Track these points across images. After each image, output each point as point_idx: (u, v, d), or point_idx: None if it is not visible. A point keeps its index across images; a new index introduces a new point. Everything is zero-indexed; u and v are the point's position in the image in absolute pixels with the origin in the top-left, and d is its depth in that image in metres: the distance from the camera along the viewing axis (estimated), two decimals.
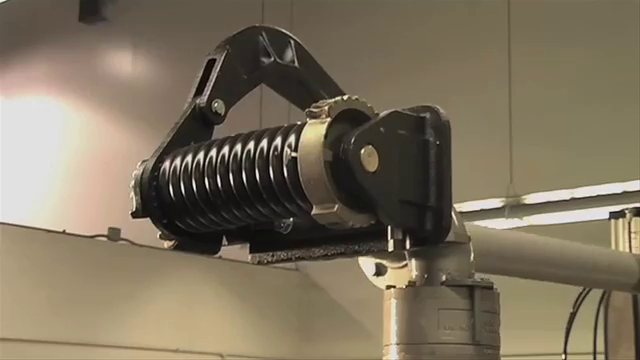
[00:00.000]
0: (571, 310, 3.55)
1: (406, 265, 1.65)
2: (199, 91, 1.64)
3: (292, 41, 1.73)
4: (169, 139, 1.60)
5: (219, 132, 1.60)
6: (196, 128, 1.62)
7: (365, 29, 11.48)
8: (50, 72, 14.59)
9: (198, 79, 1.65)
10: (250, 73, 1.68)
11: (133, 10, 13.55)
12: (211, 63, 1.65)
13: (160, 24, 13.45)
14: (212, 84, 1.63)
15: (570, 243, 2.17)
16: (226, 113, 1.64)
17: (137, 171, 1.58)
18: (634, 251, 3.31)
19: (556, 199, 9.82)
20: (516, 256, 1.85)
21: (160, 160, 1.57)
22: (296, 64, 1.73)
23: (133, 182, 1.57)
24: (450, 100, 8.57)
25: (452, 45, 10.79)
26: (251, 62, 1.68)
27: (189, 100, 1.64)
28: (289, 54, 1.73)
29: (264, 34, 1.70)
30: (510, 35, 10.08)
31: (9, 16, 13.97)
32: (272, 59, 1.70)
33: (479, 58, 10.47)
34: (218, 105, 1.63)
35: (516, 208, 9.88)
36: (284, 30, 1.74)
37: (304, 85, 1.74)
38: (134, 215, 1.57)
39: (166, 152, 1.58)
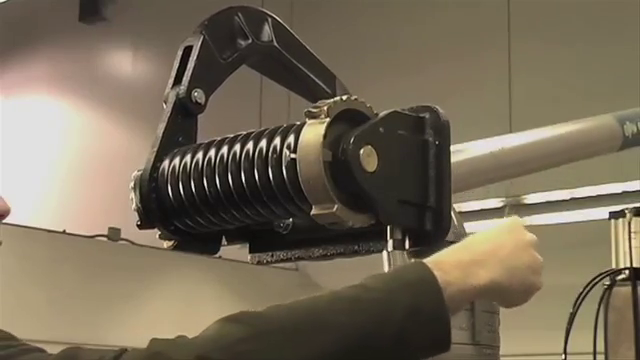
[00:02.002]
0: (571, 310, 3.54)
1: None
2: (177, 81, 1.61)
3: (269, 19, 1.70)
4: (160, 141, 1.58)
5: (218, 131, 1.58)
6: (180, 121, 1.60)
7: (365, 28, 11.47)
8: (50, 72, 14.57)
9: (175, 68, 1.62)
10: (228, 57, 1.65)
11: (133, 10, 13.53)
12: (188, 50, 1.63)
13: (160, 24, 13.42)
14: (190, 73, 1.60)
15: (548, 130, 2.14)
16: (206, 102, 1.61)
17: (134, 180, 1.57)
18: (634, 251, 3.30)
19: (556, 199, 9.80)
20: (503, 164, 1.84)
21: (156, 166, 1.56)
22: (274, 42, 1.70)
23: (132, 192, 1.56)
24: (450, 99, 8.54)
25: (452, 44, 10.77)
26: (229, 45, 1.65)
27: (167, 90, 1.61)
28: (266, 33, 1.70)
29: (240, 15, 1.67)
30: (510, 35, 10.08)
31: (9, 16, 13.94)
32: (249, 40, 1.67)
33: (479, 57, 10.45)
34: (198, 94, 1.60)
35: (516, 208, 9.85)
36: (260, 8, 1.70)
37: (284, 63, 1.71)
38: (140, 227, 1.57)
39: (159, 157, 1.57)
